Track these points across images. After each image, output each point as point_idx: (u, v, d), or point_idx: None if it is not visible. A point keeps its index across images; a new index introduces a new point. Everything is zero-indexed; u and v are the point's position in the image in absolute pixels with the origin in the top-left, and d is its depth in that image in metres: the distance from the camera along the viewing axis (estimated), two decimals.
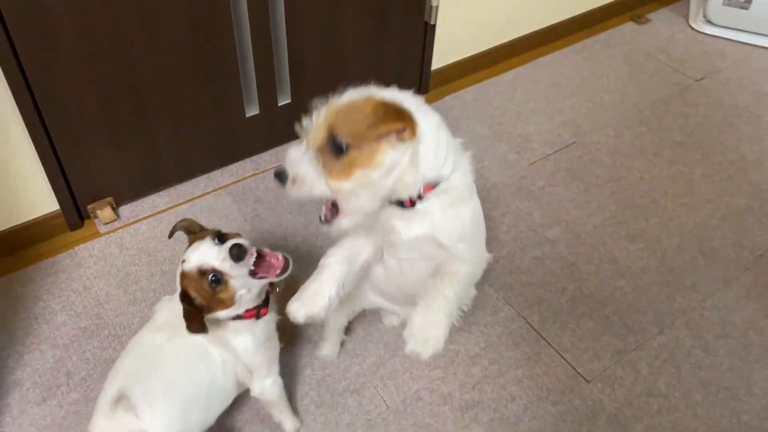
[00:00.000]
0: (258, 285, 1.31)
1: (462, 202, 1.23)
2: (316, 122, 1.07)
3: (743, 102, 2.65)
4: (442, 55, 2.57)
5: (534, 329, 1.86)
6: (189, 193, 2.20)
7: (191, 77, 1.98)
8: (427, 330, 1.14)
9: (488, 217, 2.14)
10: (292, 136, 2.35)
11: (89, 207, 2.05)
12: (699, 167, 2.37)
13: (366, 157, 1.04)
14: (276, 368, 1.50)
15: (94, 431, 1.26)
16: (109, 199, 2.07)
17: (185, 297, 1.26)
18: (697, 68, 2.83)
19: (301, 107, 2.30)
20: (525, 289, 1.96)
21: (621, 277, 2.00)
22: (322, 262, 1.32)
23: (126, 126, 1.96)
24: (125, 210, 2.13)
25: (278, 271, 1.30)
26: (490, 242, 2.06)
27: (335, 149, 1.04)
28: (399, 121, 1.03)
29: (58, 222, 2.01)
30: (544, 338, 1.84)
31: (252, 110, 2.21)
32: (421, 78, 2.57)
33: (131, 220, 2.10)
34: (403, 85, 2.48)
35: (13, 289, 1.89)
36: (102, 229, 2.07)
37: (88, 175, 1.99)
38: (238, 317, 1.34)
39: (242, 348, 1.38)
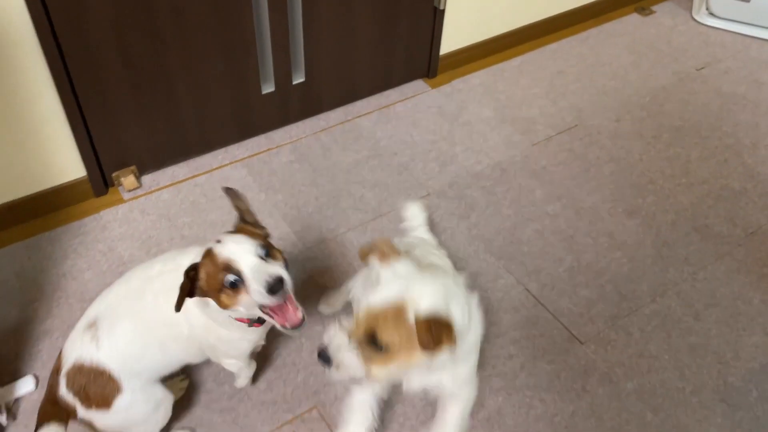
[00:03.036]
0: (259, 315, 1.27)
1: (472, 352, 1.36)
2: (358, 317, 1.13)
3: (741, 91, 2.74)
4: (451, 40, 2.68)
5: (532, 295, 1.96)
6: (207, 164, 2.32)
7: (213, 54, 2.09)
8: None
9: (491, 193, 2.25)
10: (304, 113, 2.48)
11: (114, 174, 2.17)
12: (696, 150, 2.47)
13: (406, 358, 1.13)
14: (244, 357, 1.50)
15: (66, 343, 1.36)
16: (133, 167, 2.19)
17: (192, 272, 1.22)
18: (698, 58, 2.92)
19: (313, 86, 2.42)
20: (525, 258, 2.06)
21: (617, 250, 2.10)
22: (350, 402, 1.46)
23: (151, 98, 2.07)
24: (147, 179, 2.25)
25: (288, 325, 1.24)
26: (492, 216, 2.17)
27: (375, 345, 1.12)
28: (443, 342, 1.09)
29: (84, 188, 2.13)
30: (541, 303, 1.94)
31: (268, 87, 2.32)
32: (429, 61, 2.67)
33: (153, 188, 2.22)
34: (412, 68, 2.61)
35: (42, 248, 2.01)
36: (125, 196, 2.19)
37: (114, 144, 2.11)
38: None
39: (216, 336, 1.37)
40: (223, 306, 1.22)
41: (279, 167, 2.32)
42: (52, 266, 1.96)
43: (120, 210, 2.15)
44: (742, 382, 1.77)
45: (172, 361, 1.44)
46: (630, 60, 2.90)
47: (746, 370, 1.80)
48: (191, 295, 1.23)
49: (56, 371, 1.35)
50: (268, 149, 2.39)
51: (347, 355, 1.14)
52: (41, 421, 1.33)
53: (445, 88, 2.69)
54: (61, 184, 2.08)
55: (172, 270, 1.32)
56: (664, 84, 2.77)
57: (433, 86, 2.70)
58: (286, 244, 2.07)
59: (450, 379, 1.35)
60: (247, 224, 1.30)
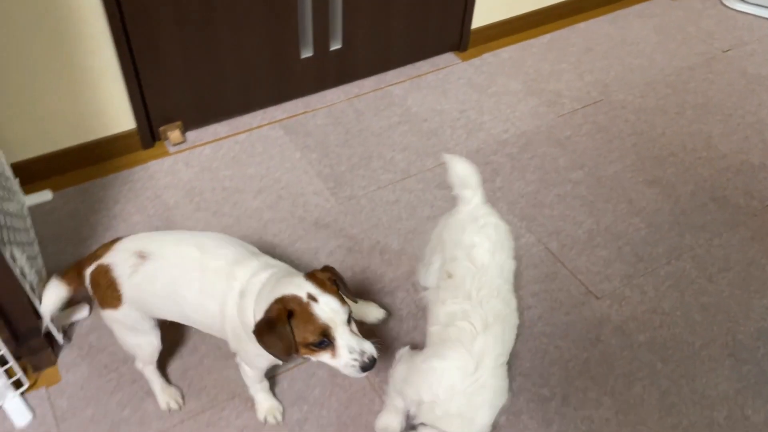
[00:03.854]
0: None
1: None
2: None
3: (766, 72, 2.79)
4: (483, 15, 2.77)
5: (552, 253, 2.06)
6: (247, 124, 2.45)
7: (257, 17, 2.21)
8: None
9: (516, 159, 2.35)
10: (340, 80, 2.59)
11: (161, 129, 2.31)
12: (718, 127, 2.53)
13: None
14: (258, 371, 1.54)
15: (117, 246, 1.46)
16: (179, 123, 2.33)
17: (287, 320, 1.25)
18: (725, 40, 2.97)
19: (349, 53, 2.54)
20: (546, 220, 2.16)
21: (636, 216, 2.19)
22: (387, 401, 1.59)
23: (198, 57, 2.21)
24: (191, 134, 2.39)
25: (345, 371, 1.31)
26: (517, 180, 2.27)
27: None
28: None
29: (133, 140, 2.27)
30: (560, 261, 2.04)
31: (306, 52, 2.44)
32: (461, 35, 2.77)
33: (196, 144, 2.36)
34: (444, 40, 2.70)
35: (95, 193, 2.16)
36: (171, 149, 2.33)
37: (162, 99, 2.25)
38: None
39: (242, 343, 1.41)
40: (298, 354, 1.28)
41: (314, 129, 2.45)
42: (103, 209, 2.11)
43: (165, 162, 2.29)
44: (751, 340, 1.86)
45: (182, 320, 1.51)
46: (657, 40, 2.96)
47: (755, 329, 1.88)
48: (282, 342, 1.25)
49: (96, 255, 1.47)
50: (305, 112, 2.52)
51: None
52: (60, 275, 1.50)
53: (475, 61, 2.79)
54: (112, 135, 2.22)
55: (224, 273, 1.39)
56: (689, 64, 2.84)
57: (464, 59, 2.80)
58: (320, 200, 2.19)
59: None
60: (324, 284, 1.31)
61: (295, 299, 1.26)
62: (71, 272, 1.51)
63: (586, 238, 2.11)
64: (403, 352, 1.54)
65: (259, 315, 1.29)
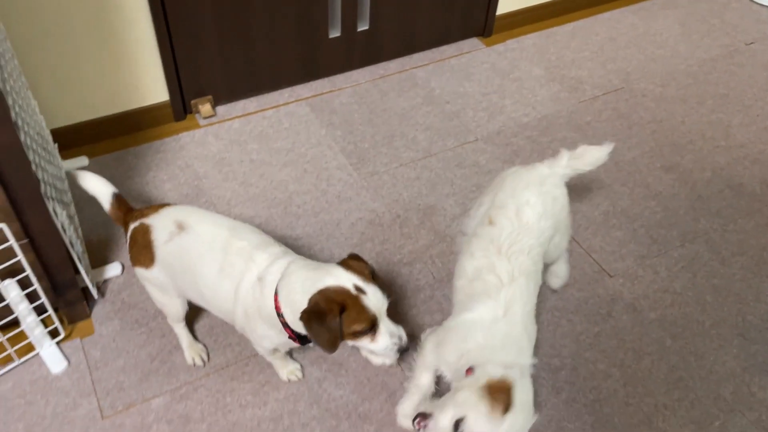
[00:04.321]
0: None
1: None
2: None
3: None
4: (508, 2, 2.82)
5: None
6: (274, 100, 2.53)
7: None
8: None
9: (536, 142, 2.40)
10: (366, 60, 2.66)
11: (192, 102, 2.40)
12: (737, 117, 2.56)
13: None
14: (265, 351, 1.60)
15: (162, 211, 1.54)
16: (209, 97, 2.42)
17: (339, 310, 1.30)
18: (749, 34, 2.99)
19: (376, 35, 2.60)
20: None
21: (652, 199, 2.23)
22: (410, 384, 1.60)
23: (231, 34, 2.29)
24: (221, 109, 2.47)
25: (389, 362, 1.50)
26: (536, 161, 2.32)
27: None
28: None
29: (166, 112, 2.36)
30: (575, 240, 2.09)
31: (334, 32, 2.51)
32: (486, 21, 2.82)
33: (225, 118, 2.44)
34: (469, 26, 2.75)
35: (128, 161, 2.25)
36: (201, 122, 2.42)
37: (195, 74, 2.33)
38: (285, 324, 1.40)
39: (252, 324, 1.47)
40: (346, 338, 1.35)
41: (339, 107, 2.52)
42: (136, 176, 2.21)
43: (196, 134, 2.38)
44: (761, 321, 1.90)
45: (195, 299, 1.58)
46: (680, 32, 2.99)
47: (765, 311, 1.92)
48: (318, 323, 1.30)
49: (143, 214, 1.55)
50: (330, 91, 2.59)
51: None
52: (115, 197, 1.62)
53: (499, 47, 2.84)
54: (146, 106, 2.31)
55: (245, 255, 1.44)
56: (712, 56, 2.86)
57: (488, 44, 2.85)
58: (343, 174, 2.26)
59: None
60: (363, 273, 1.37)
61: (345, 292, 1.31)
62: (122, 207, 1.59)
63: (602, 219, 2.16)
64: (428, 331, 1.58)
65: (290, 302, 1.34)
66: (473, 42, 2.86)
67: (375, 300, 1.33)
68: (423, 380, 1.57)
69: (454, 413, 1.24)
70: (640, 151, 2.40)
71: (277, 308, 1.37)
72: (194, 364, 1.72)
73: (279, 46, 2.43)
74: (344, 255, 1.97)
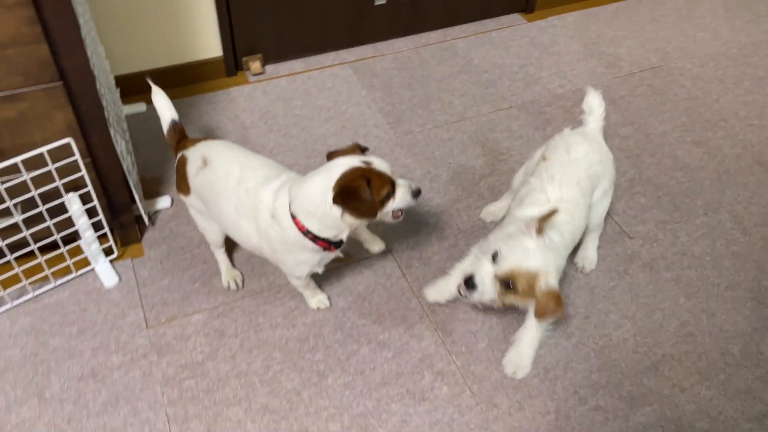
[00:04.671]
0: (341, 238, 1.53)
1: None
2: (504, 266, 1.51)
3: None
4: None
5: None
6: (320, 63, 2.67)
7: None
8: (520, 360, 1.72)
9: (569, 112, 2.48)
10: (409, 30, 2.77)
11: (244, 59, 2.56)
12: None
13: (525, 299, 1.55)
14: (300, 280, 1.71)
15: (198, 145, 1.68)
16: (260, 55, 2.57)
17: (365, 180, 1.43)
18: None
19: (421, 4, 2.71)
20: None
21: (679, 170, 2.28)
22: (453, 270, 1.83)
23: None
24: (269, 68, 2.63)
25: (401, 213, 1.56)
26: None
27: (508, 287, 1.52)
28: (553, 313, 1.51)
29: (218, 67, 2.53)
30: None
31: (380, 0, 2.63)
32: None
33: (273, 76, 2.60)
34: (511, 1, 2.83)
35: (182, 110, 2.43)
36: (251, 78, 2.58)
37: (248, 32, 2.49)
38: (314, 238, 1.50)
39: (283, 261, 1.59)
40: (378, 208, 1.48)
41: (380, 71, 2.64)
42: (188, 123, 2.38)
43: (245, 89, 2.54)
44: None
45: (227, 232, 1.71)
46: (724, 16, 3.00)
47: None
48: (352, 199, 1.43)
49: (185, 146, 1.69)
50: (373, 56, 2.72)
51: (489, 287, 1.53)
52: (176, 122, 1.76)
53: (540, 23, 2.92)
54: (202, 60, 2.49)
55: (252, 194, 1.54)
56: (754, 40, 2.87)
57: (529, 20, 2.93)
58: (380, 132, 2.39)
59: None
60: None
61: (359, 169, 1.44)
62: (177, 134, 1.73)
63: (628, 185, 2.23)
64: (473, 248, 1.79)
65: (313, 213, 1.45)
66: (515, 17, 2.94)
67: (383, 165, 1.47)
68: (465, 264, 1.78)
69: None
70: (672, 125, 2.45)
71: (302, 229, 1.49)
72: (229, 288, 1.87)
73: (328, 11, 2.57)
74: None
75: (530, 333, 1.73)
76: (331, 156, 1.51)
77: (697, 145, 2.38)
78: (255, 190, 1.54)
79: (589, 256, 1.97)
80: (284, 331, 1.79)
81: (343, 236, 1.54)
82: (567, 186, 1.67)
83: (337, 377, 1.70)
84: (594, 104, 1.87)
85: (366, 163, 1.45)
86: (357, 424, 1.61)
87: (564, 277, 1.94)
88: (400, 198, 1.51)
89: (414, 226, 2.07)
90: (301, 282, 1.74)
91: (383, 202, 1.48)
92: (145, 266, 1.93)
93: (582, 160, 1.73)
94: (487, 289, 1.53)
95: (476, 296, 1.55)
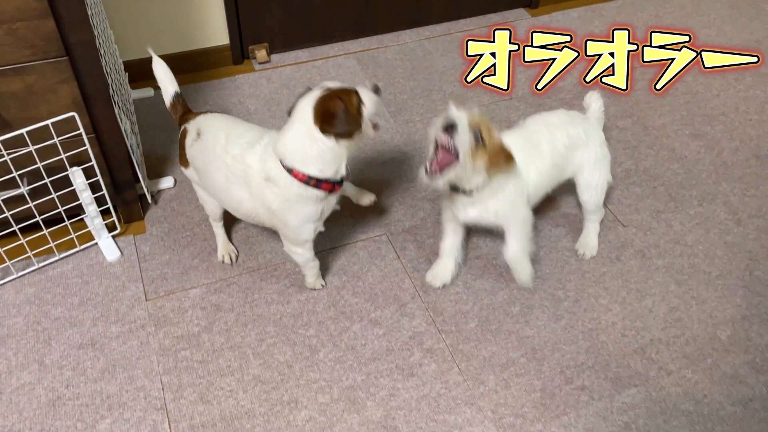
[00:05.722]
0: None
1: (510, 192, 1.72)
2: (471, 116, 1.56)
3: None
4: None
5: None
6: (325, 53, 2.72)
7: None
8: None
9: (569, 104, 2.51)
10: (414, 22, 2.82)
11: (250, 47, 2.62)
12: None
13: (483, 161, 1.57)
14: (307, 245, 1.71)
15: (197, 120, 1.73)
16: (266, 44, 2.63)
17: (340, 105, 1.49)
18: None
19: None
20: None
21: (675, 162, 2.30)
22: (440, 248, 1.89)
23: None
24: (275, 57, 2.69)
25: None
26: None
27: (475, 138, 1.55)
28: (501, 165, 1.61)
29: (225, 55, 2.59)
30: None
31: None
32: None
33: (278, 65, 2.65)
34: None
35: (189, 95, 2.49)
36: (256, 67, 2.64)
37: (254, 21, 2.55)
38: (317, 183, 1.53)
39: (283, 222, 1.62)
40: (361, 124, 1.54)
41: (384, 62, 2.69)
42: (194, 108, 2.41)
43: (251, 77, 2.60)
44: None
45: (221, 204, 1.76)
46: (729, 13, 3.02)
47: None
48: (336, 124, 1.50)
49: (186, 119, 1.75)
50: (378, 47, 2.76)
51: (466, 133, 1.52)
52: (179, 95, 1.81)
53: (544, 18, 2.95)
54: (209, 47, 2.55)
55: (239, 161, 1.59)
56: (758, 37, 2.88)
57: (533, 15, 2.96)
58: (381, 120, 2.43)
59: (495, 207, 1.69)
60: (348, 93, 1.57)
61: (326, 94, 1.50)
62: (180, 107, 1.78)
63: (624, 176, 2.25)
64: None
65: (311, 156, 1.50)
66: (519, 12, 2.98)
67: (337, 83, 1.54)
68: (448, 240, 1.86)
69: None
70: (671, 118, 2.47)
71: (303, 179, 1.51)
72: (223, 261, 1.92)
73: (334, 2, 2.62)
74: (376, 191, 2.12)
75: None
76: (292, 109, 1.57)
77: (695, 138, 2.39)
78: (241, 156, 1.58)
79: (590, 243, 2.00)
80: (279, 307, 1.84)
81: (343, 169, 1.57)
82: (535, 124, 1.83)
83: (329, 352, 1.74)
84: (591, 101, 1.97)
85: (328, 88, 1.52)
86: (346, 396, 1.65)
87: (556, 262, 1.97)
88: (368, 99, 1.56)
89: (410, 211, 2.11)
90: (306, 251, 1.72)
91: (359, 111, 1.53)
92: (147, 242, 1.99)
93: (559, 123, 1.83)
94: (466, 136, 1.52)
95: (457, 140, 1.51)
